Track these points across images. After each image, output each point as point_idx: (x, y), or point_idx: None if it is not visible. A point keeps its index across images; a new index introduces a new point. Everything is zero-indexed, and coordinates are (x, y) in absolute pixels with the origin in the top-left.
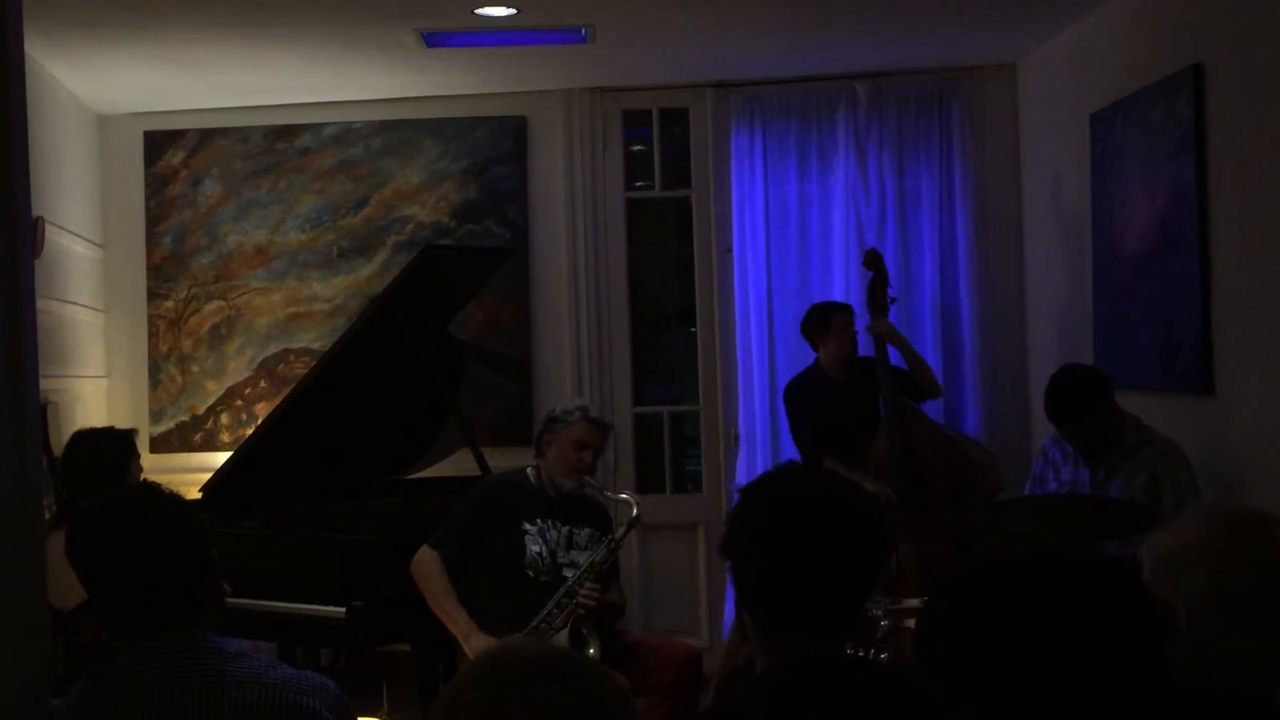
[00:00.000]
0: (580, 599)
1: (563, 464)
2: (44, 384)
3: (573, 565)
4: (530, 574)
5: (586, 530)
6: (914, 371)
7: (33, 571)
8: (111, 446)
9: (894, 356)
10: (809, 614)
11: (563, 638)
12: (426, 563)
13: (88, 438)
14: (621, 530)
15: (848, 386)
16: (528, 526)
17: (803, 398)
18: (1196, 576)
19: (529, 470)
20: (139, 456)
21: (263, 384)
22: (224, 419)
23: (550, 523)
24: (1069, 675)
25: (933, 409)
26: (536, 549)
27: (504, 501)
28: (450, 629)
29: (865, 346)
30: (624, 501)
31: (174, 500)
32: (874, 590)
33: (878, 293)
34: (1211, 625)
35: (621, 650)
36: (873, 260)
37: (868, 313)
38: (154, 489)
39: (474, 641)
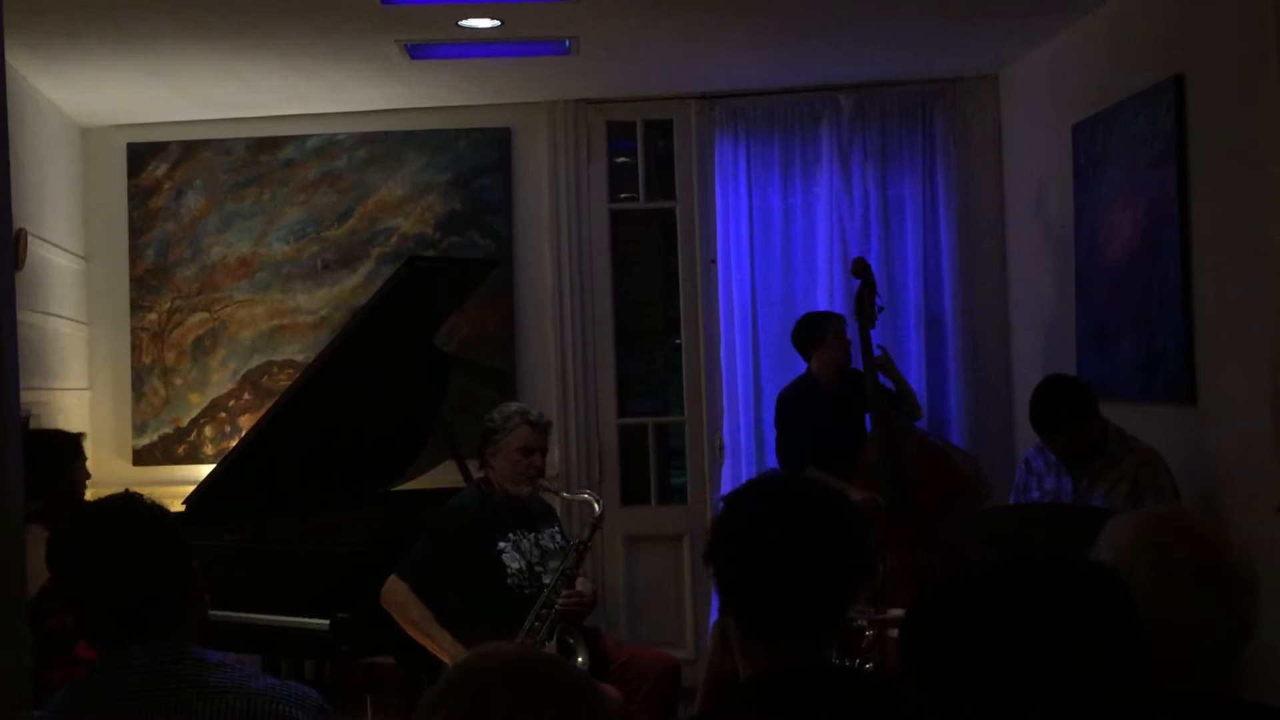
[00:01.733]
0: (559, 607)
1: (513, 472)
2: (26, 396)
3: (549, 572)
4: (515, 591)
5: (549, 530)
6: (900, 395)
7: (12, 582)
8: (57, 447)
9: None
10: (792, 619)
11: (550, 649)
12: (398, 593)
13: (32, 438)
14: (588, 532)
15: (840, 395)
16: (502, 544)
17: (797, 406)
18: (1140, 574)
19: (478, 486)
20: (85, 460)
21: (246, 396)
22: (207, 431)
23: (520, 534)
24: (1054, 680)
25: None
26: (516, 565)
27: (472, 527)
28: (437, 654)
29: (855, 358)
30: (585, 501)
31: (157, 511)
32: (857, 595)
33: (866, 301)
34: (1162, 616)
35: (600, 658)
36: (861, 269)
37: (856, 322)
38: (136, 499)
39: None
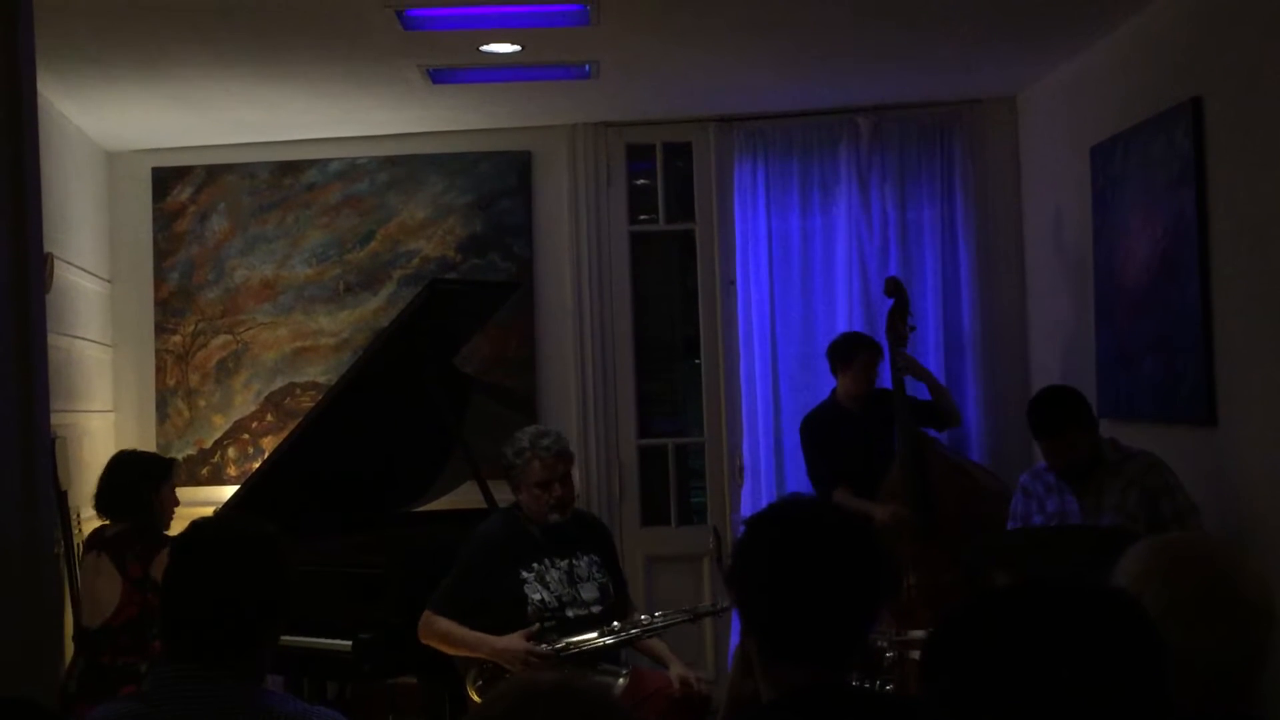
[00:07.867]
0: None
1: (536, 508)
2: (52, 418)
3: (575, 603)
4: (536, 622)
5: (587, 557)
6: (936, 401)
7: (45, 595)
8: (144, 470)
9: (911, 385)
10: (814, 642)
11: None
12: (435, 625)
13: (122, 459)
14: (609, 639)
15: (862, 418)
16: (525, 574)
17: (818, 432)
18: (1146, 602)
19: (506, 512)
20: (174, 485)
21: (269, 418)
22: (231, 453)
23: (547, 563)
24: (1075, 705)
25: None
26: (539, 597)
27: (497, 555)
28: (483, 655)
29: (884, 379)
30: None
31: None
32: (879, 619)
33: (897, 321)
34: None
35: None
36: (893, 288)
37: (886, 340)
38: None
39: (501, 642)
